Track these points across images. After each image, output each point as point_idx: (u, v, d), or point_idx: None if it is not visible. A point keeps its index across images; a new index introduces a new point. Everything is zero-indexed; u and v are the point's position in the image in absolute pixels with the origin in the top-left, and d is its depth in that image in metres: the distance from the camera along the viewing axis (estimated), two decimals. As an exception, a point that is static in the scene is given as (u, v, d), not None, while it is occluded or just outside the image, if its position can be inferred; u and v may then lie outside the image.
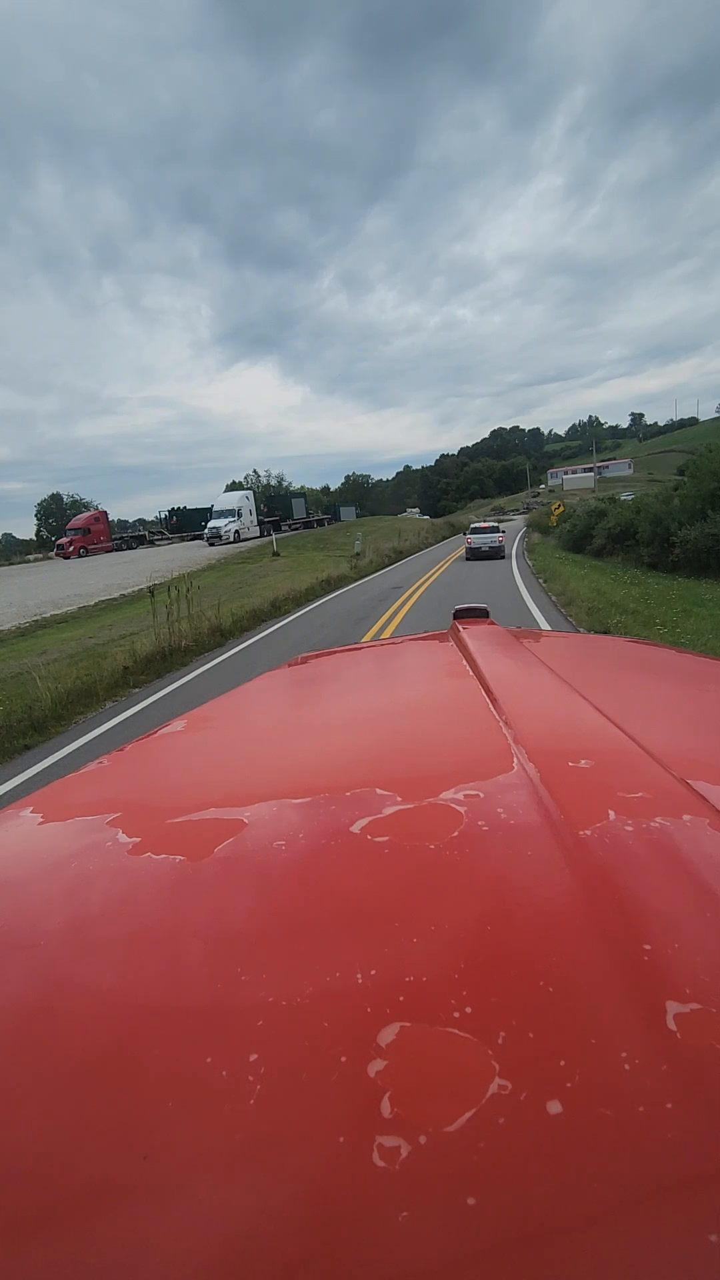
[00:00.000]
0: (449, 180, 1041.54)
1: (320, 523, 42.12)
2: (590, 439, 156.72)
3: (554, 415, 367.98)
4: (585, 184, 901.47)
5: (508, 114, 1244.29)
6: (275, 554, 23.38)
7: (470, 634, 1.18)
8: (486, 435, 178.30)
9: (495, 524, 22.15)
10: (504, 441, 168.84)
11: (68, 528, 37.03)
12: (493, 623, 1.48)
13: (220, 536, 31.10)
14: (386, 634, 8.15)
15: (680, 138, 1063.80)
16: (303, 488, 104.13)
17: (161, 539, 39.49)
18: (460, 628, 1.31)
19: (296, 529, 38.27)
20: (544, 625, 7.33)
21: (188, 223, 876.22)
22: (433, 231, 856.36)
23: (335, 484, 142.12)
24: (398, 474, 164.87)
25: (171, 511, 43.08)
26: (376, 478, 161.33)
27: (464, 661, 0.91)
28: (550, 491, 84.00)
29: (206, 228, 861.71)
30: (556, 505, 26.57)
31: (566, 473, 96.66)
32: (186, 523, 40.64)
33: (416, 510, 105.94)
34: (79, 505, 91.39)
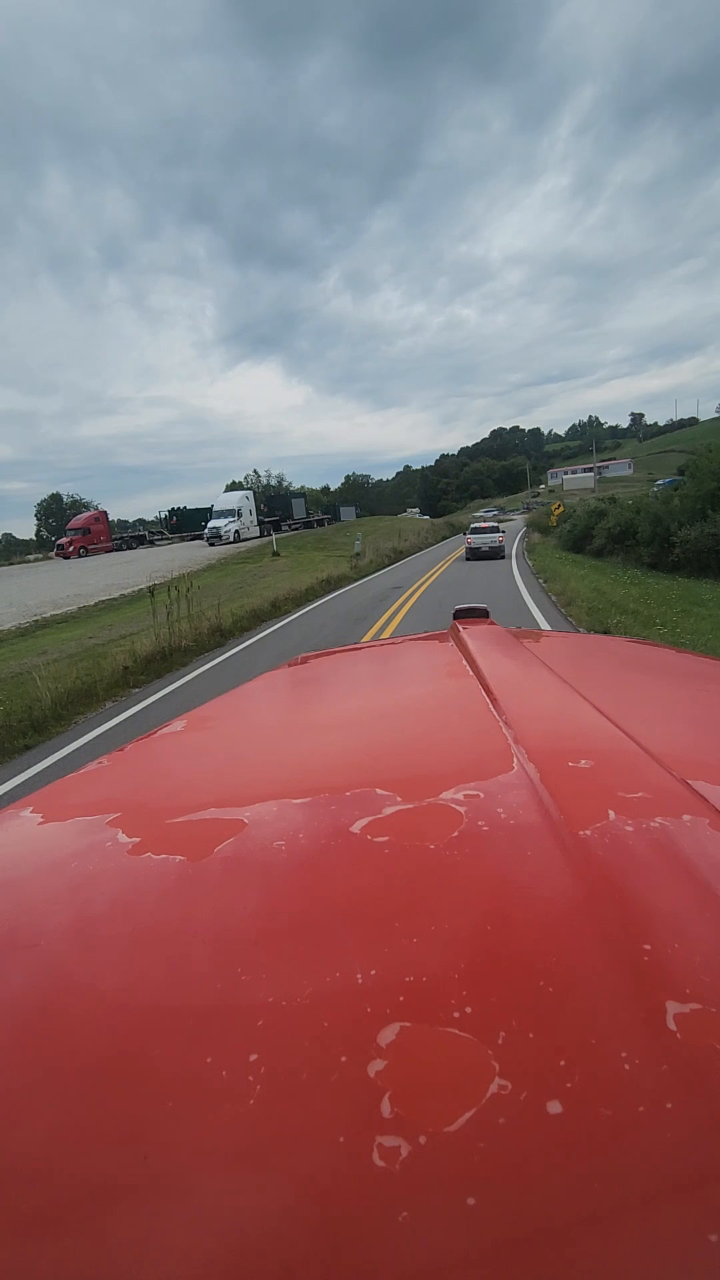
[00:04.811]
0: (455, 181, 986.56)
1: (320, 523, 42.10)
2: (590, 439, 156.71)
3: (555, 415, 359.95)
4: (591, 184, 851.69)
5: (515, 114, 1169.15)
6: (275, 554, 23.38)
7: (470, 634, 1.18)
8: (487, 435, 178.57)
9: (495, 524, 22.16)
10: (504, 441, 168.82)
11: (68, 528, 37.01)
12: (493, 623, 1.48)
13: (220, 536, 31.09)
14: (386, 634, 8.15)
15: (686, 138, 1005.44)
16: (303, 488, 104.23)
17: (161, 539, 39.48)
18: (460, 628, 1.31)
19: (296, 529, 38.25)
20: (544, 625, 7.33)
21: (194, 223, 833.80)
22: (438, 232, 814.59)
23: (336, 484, 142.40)
24: (398, 474, 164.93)
25: (171, 511, 43.05)
26: (377, 478, 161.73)
27: (464, 661, 0.91)
28: (550, 491, 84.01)
29: (213, 228, 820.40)
30: (556, 505, 26.58)
31: (566, 473, 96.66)
32: (186, 523, 40.62)
33: (416, 510, 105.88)
34: (79, 505, 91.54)
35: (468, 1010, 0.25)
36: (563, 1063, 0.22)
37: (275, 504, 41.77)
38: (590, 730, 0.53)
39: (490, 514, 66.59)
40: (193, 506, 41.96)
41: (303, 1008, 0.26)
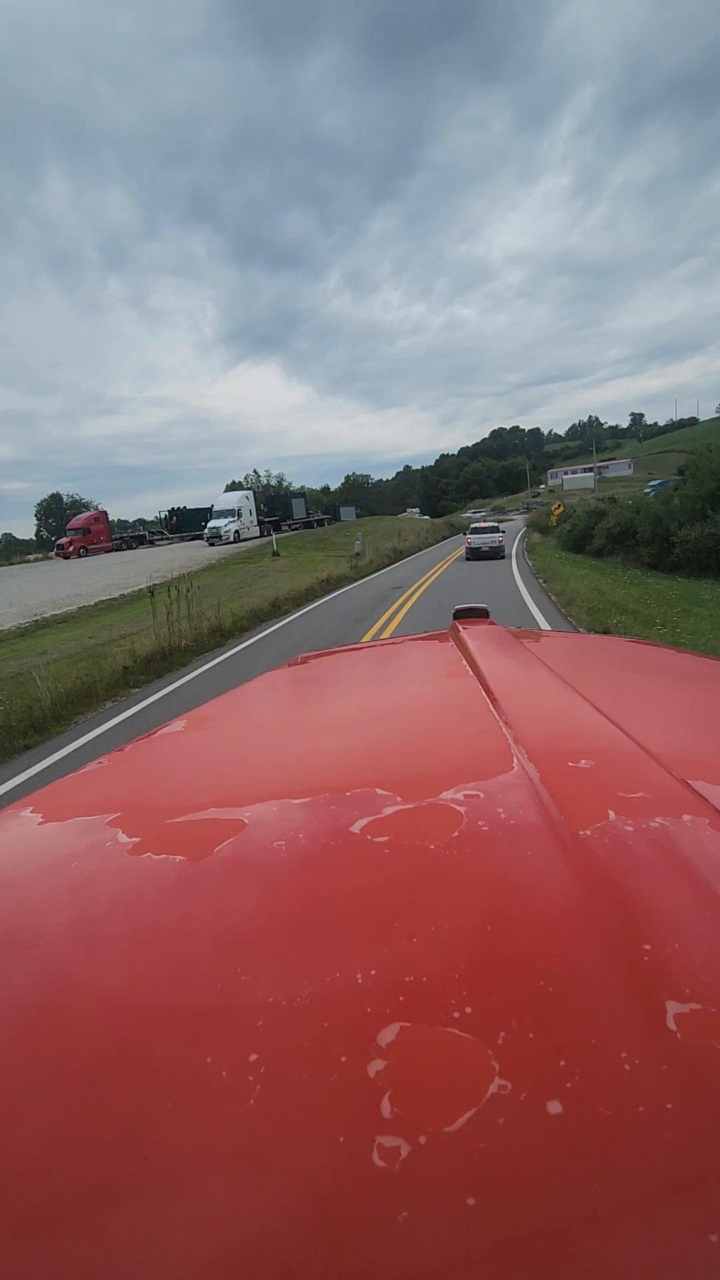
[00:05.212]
0: (456, 181, 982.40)
1: (320, 523, 42.09)
2: (590, 439, 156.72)
3: (555, 415, 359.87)
4: (591, 184, 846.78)
5: (516, 114, 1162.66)
6: (275, 554, 23.38)
7: (470, 634, 1.18)
8: (487, 435, 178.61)
9: (495, 524, 22.20)
10: (504, 441, 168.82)
11: (68, 528, 37.00)
12: (493, 623, 1.48)
13: (220, 536, 31.09)
14: (387, 634, 8.15)
15: (686, 138, 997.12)
16: (303, 488, 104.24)
17: (161, 539, 39.47)
18: (460, 628, 1.31)
19: (296, 529, 38.24)
20: (544, 625, 7.33)
21: (195, 223, 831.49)
22: (439, 232, 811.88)
23: (336, 484, 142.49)
24: (398, 474, 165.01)
25: (171, 511, 43.04)
26: (377, 478, 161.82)
27: (464, 661, 0.91)
28: (550, 491, 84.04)
29: (213, 228, 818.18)
30: (556, 505, 26.60)
31: (566, 473, 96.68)
32: (186, 523, 40.61)
33: (416, 510, 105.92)
34: (79, 505, 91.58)
35: (468, 1010, 0.25)
36: (563, 1063, 0.22)
37: (275, 504, 41.74)
38: (590, 730, 0.53)
39: (479, 514, 65.26)
40: (193, 506, 41.96)
41: (303, 1008, 0.26)
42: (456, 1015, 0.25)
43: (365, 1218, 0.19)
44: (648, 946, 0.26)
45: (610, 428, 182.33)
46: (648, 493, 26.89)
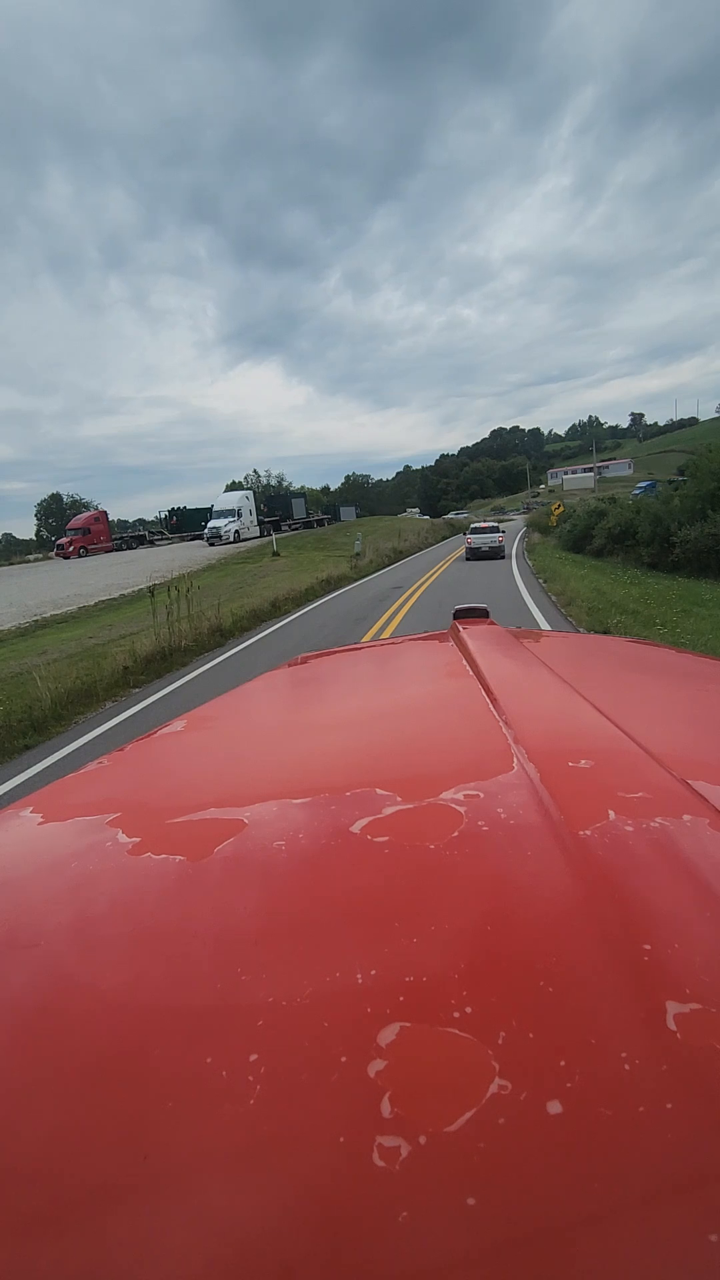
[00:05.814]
0: (456, 181, 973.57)
1: (320, 523, 42.10)
2: (590, 439, 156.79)
3: (555, 415, 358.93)
4: (591, 184, 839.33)
5: (516, 114, 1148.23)
6: (275, 554, 23.39)
7: (470, 634, 1.18)
8: (487, 435, 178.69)
9: (495, 524, 22.25)
10: (504, 441, 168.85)
11: (68, 528, 37.03)
12: (493, 623, 1.48)
13: (220, 536, 31.11)
14: (387, 634, 8.15)
15: (687, 138, 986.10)
16: (303, 488, 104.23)
17: (161, 539, 39.49)
18: (460, 628, 1.31)
19: (296, 529, 38.25)
20: (544, 625, 7.33)
21: (195, 223, 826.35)
22: (439, 232, 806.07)
23: (336, 484, 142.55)
24: (398, 474, 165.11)
25: (171, 511, 43.06)
26: (377, 478, 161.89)
27: (464, 661, 0.91)
28: (550, 491, 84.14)
29: (214, 228, 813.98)
30: (556, 505, 26.62)
31: (566, 473, 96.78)
32: (186, 523, 40.63)
33: (416, 510, 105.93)
34: (79, 505, 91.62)
35: (468, 1010, 0.25)
36: (563, 1063, 0.22)
37: (275, 504, 41.73)
38: (590, 730, 0.53)
39: (462, 515, 63.58)
40: (193, 506, 41.96)
41: (303, 1008, 0.26)
42: (456, 1015, 0.25)
43: (365, 1218, 0.19)
44: (648, 946, 0.26)
45: (610, 428, 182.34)
46: (637, 494, 27.10)
